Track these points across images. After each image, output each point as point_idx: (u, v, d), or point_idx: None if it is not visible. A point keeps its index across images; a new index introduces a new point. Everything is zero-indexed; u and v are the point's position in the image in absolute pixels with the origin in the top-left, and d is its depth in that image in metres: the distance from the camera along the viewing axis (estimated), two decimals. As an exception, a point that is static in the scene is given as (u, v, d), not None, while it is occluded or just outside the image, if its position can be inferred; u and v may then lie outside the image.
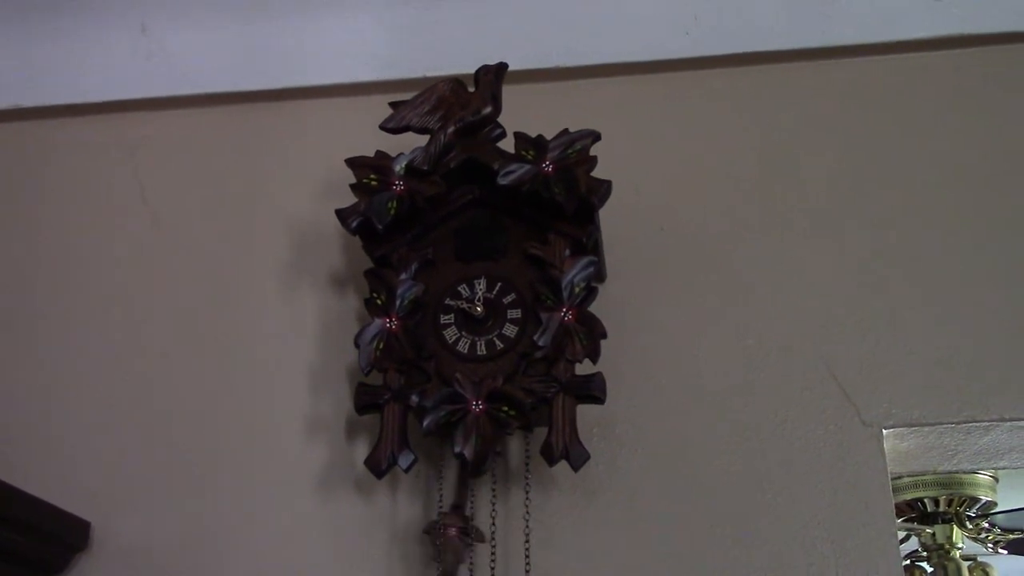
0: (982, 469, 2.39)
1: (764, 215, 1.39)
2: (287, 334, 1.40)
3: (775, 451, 1.25)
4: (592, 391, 1.17)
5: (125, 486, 1.35)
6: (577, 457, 1.14)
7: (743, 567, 1.20)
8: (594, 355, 1.18)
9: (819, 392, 1.28)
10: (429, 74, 1.45)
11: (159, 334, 1.44)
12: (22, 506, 1.21)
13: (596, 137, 1.25)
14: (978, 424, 1.26)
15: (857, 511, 1.21)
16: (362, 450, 1.29)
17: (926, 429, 1.27)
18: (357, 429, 1.32)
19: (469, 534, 1.18)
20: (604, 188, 1.22)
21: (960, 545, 2.84)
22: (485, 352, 1.22)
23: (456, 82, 1.30)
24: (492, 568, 1.18)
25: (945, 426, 1.26)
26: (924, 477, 2.69)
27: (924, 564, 2.95)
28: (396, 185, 1.26)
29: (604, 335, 1.19)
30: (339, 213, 1.27)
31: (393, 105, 1.30)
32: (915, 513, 2.82)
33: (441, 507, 1.21)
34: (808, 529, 1.21)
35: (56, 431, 1.39)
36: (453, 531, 1.16)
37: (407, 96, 1.30)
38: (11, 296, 1.50)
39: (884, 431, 1.25)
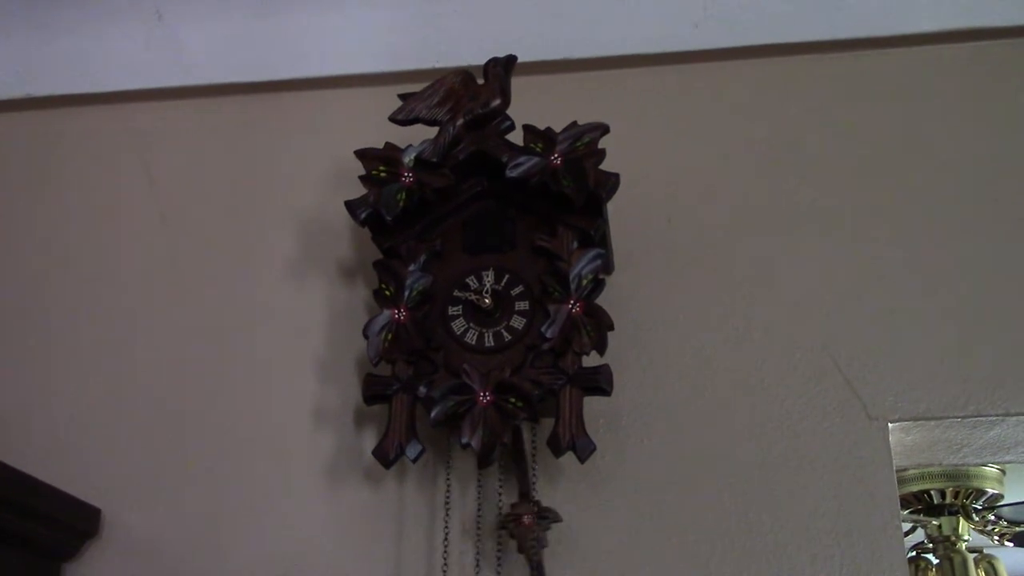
0: (988, 463, 2.39)
1: (772, 208, 1.39)
2: (296, 325, 1.41)
3: (781, 444, 1.26)
4: (599, 383, 1.17)
5: (135, 474, 1.36)
6: (583, 448, 1.15)
7: (748, 558, 1.21)
8: (601, 347, 1.18)
9: (825, 385, 1.28)
10: (438, 66, 1.45)
11: (167, 324, 1.45)
12: (34, 493, 1.22)
13: (605, 130, 1.25)
14: (984, 418, 1.26)
15: (862, 504, 1.21)
16: (370, 440, 1.29)
17: (932, 423, 1.27)
18: (365, 419, 1.33)
19: (546, 517, 1.17)
20: (612, 181, 1.22)
21: (966, 537, 2.83)
22: (493, 344, 1.22)
23: (465, 74, 1.30)
24: (499, 559, 1.20)
25: (951, 420, 1.26)
26: (931, 469, 2.68)
27: (930, 556, 2.95)
28: (405, 177, 1.26)
29: (611, 327, 1.19)
30: (348, 204, 1.27)
31: (402, 97, 1.30)
32: (921, 505, 2.81)
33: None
34: (813, 521, 1.22)
35: (66, 420, 1.40)
36: (527, 519, 1.16)
37: (416, 88, 1.30)
38: (20, 285, 1.51)
39: (890, 425, 1.25)
